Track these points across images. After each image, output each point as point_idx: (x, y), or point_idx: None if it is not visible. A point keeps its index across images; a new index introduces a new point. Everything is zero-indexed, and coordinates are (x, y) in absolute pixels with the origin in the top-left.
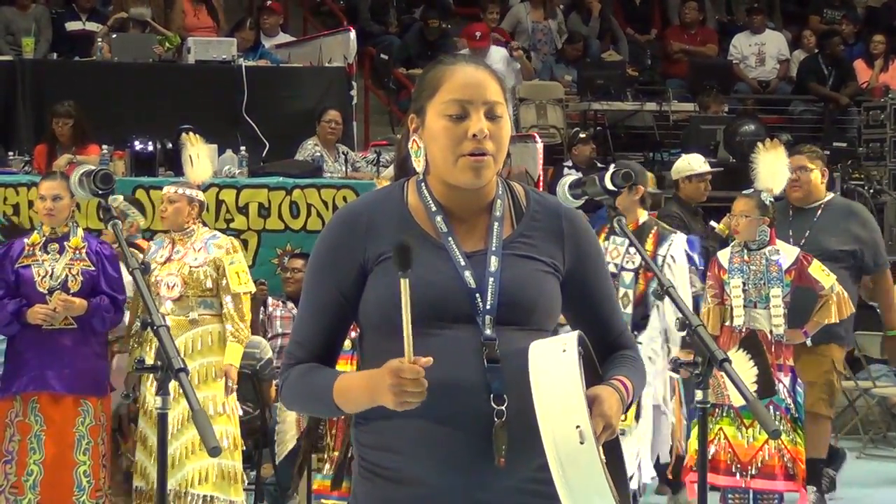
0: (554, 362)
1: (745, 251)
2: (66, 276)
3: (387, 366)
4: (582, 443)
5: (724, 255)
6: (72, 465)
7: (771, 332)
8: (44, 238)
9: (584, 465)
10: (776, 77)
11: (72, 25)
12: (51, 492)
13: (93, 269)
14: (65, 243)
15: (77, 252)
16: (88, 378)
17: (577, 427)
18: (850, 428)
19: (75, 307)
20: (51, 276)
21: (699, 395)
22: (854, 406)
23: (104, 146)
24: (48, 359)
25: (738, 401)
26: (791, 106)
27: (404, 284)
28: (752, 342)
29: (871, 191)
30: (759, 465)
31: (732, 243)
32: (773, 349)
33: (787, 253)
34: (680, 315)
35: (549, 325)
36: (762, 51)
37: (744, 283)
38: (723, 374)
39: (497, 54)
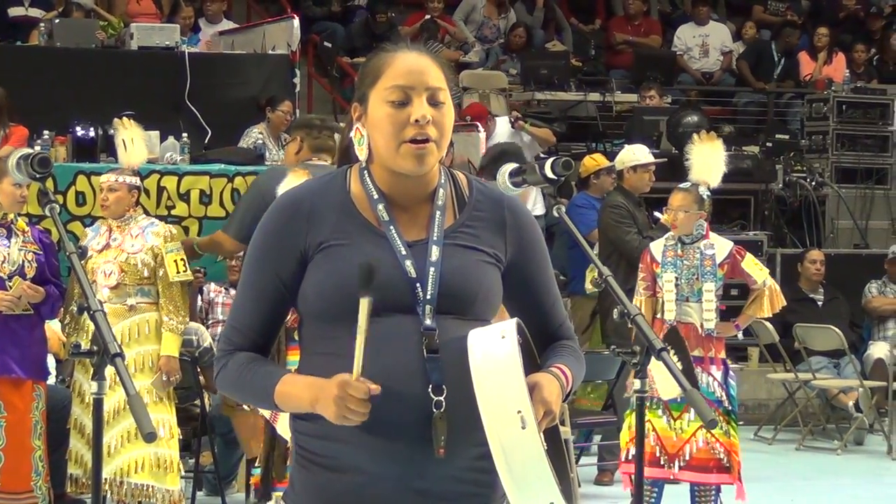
0: (493, 349)
1: (679, 245)
2: (23, 261)
3: (336, 378)
4: (524, 428)
5: (657, 247)
6: (30, 451)
7: (702, 325)
8: None
9: (526, 450)
10: (720, 69)
11: (14, 11)
12: (11, 478)
13: (41, 254)
14: (12, 226)
15: (25, 235)
16: (41, 363)
17: (519, 412)
18: (789, 420)
19: (38, 294)
20: (7, 261)
21: (637, 384)
22: (794, 398)
23: (45, 131)
24: (7, 344)
25: (665, 394)
26: (734, 97)
27: (364, 304)
28: (674, 337)
29: (814, 183)
30: (688, 457)
31: (667, 236)
32: (703, 343)
33: (720, 246)
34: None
35: (489, 316)
36: (706, 42)
37: (676, 278)
38: (650, 367)
39: (501, 127)
